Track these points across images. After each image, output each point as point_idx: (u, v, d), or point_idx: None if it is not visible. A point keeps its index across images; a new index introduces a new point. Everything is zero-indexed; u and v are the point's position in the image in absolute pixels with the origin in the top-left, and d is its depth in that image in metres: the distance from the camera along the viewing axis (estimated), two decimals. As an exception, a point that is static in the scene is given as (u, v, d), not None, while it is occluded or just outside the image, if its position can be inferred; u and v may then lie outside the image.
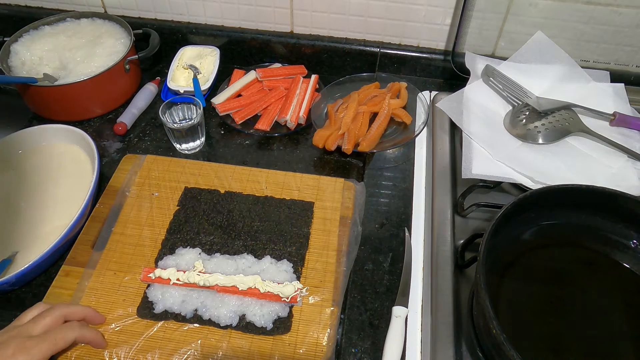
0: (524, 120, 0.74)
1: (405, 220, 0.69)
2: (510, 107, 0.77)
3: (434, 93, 0.87)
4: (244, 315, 0.58)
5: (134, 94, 0.87)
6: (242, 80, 0.86)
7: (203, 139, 0.80)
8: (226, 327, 0.57)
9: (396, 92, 0.83)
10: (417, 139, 0.80)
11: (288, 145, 0.81)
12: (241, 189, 0.71)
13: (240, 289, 0.58)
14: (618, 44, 0.80)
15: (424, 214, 0.70)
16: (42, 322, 0.52)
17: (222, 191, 0.71)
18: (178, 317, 0.58)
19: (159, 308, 0.58)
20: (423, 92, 0.84)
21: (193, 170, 0.74)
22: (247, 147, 0.80)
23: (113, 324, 0.57)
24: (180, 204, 0.69)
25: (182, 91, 0.84)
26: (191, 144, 0.78)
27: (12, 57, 0.84)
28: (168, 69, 0.88)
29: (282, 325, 0.57)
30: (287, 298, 0.58)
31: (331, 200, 0.70)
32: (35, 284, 0.63)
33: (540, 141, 0.72)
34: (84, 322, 0.55)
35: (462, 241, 0.63)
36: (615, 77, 0.80)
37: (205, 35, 0.94)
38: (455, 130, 0.78)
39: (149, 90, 0.87)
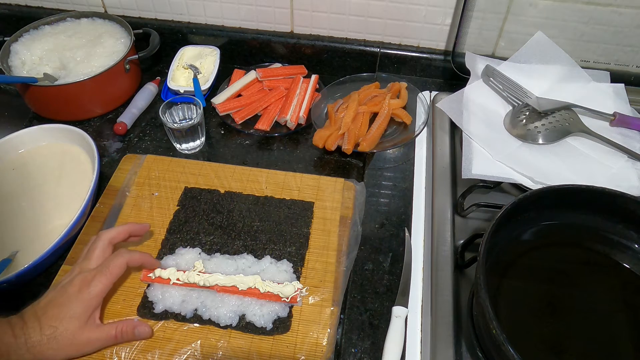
0: (524, 121, 0.74)
1: (405, 220, 0.69)
2: (510, 107, 0.77)
3: (434, 93, 0.87)
4: (243, 315, 0.58)
5: (134, 93, 0.87)
6: (242, 80, 0.86)
7: (203, 139, 0.80)
8: (226, 327, 0.57)
9: (396, 92, 0.83)
10: (417, 139, 0.80)
11: (288, 145, 0.81)
12: (241, 189, 0.71)
13: (240, 289, 0.58)
14: (618, 44, 0.80)
15: (424, 214, 0.70)
16: (94, 255, 0.56)
17: (222, 191, 0.71)
18: (178, 317, 0.58)
19: (159, 308, 0.58)
20: (423, 92, 0.85)
21: (193, 170, 0.74)
22: (247, 147, 0.80)
23: (110, 320, 0.57)
24: (180, 203, 0.69)
25: (182, 91, 0.84)
26: (191, 144, 0.78)
27: (12, 56, 0.84)
28: (168, 69, 0.88)
29: (281, 325, 0.57)
30: (287, 298, 0.58)
31: (331, 200, 0.70)
32: (35, 283, 0.63)
33: (541, 141, 0.72)
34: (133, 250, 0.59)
35: (462, 241, 0.63)
36: (615, 77, 0.80)
37: (206, 35, 0.94)
38: (455, 130, 0.78)
39: (149, 90, 0.87)
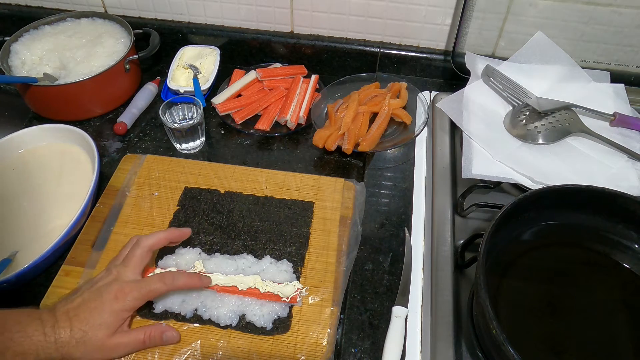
0: (524, 121, 0.74)
1: (405, 220, 0.69)
2: (510, 108, 0.77)
3: (434, 93, 0.87)
4: (243, 315, 0.58)
5: (134, 93, 0.87)
6: (242, 80, 0.86)
7: (203, 139, 0.80)
8: (226, 327, 0.57)
9: (396, 92, 0.83)
10: (417, 139, 0.80)
11: (288, 145, 0.81)
12: (241, 189, 0.71)
13: (240, 289, 0.58)
14: (618, 44, 0.80)
15: (424, 214, 0.70)
16: (132, 262, 0.56)
17: (222, 191, 0.71)
18: (178, 317, 0.58)
19: (159, 308, 0.58)
20: (423, 92, 0.84)
21: (193, 170, 0.74)
22: (247, 147, 0.80)
23: None
24: (180, 203, 0.69)
25: (182, 91, 0.84)
26: (191, 144, 0.78)
27: (12, 56, 0.84)
28: (168, 68, 0.88)
29: (281, 325, 0.57)
30: (287, 298, 0.58)
31: (331, 200, 0.70)
32: (35, 283, 0.63)
33: (541, 141, 0.72)
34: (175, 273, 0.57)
35: (462, 241, 0.63)
36: (615, 77, 0.80)
37: (206, 35, 0.94)
38: (455, 130, 0.78)
39: (149, 90, 0.87)
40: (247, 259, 0.63)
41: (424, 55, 0.90)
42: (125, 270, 0.55)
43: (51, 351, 0.49)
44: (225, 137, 0.82)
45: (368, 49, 0.90)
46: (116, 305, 0.52)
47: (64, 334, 0.50)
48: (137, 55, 0.86)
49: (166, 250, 0.64)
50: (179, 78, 0.87)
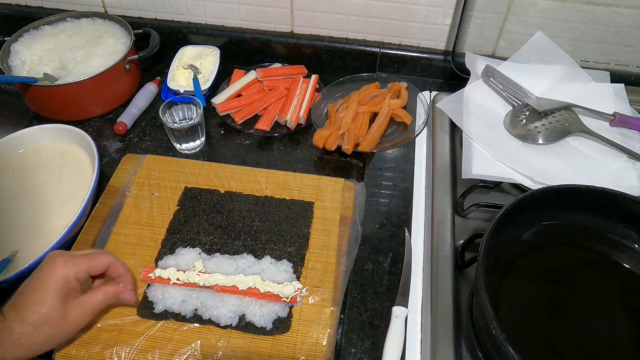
0: (524, 121, 0.74)
1: (405, 220, 0.69)
2: (511, 108, 0.77)
3: (434, 93, 0.87)
4: (243, 315, 0.58)
5: (134, 93, 0.87)
6: (242, 80, 0.86)
7: (203, 139, 0.80)
8: (226, 327, 0.57)
9: (396, 92, 0.83)
10: (417, 139, 0.80)
11: (288, 145, 0.81)
12: (241, 189, 0.71)
13: (240, 289, 0.58)
14: (618, 44, 0.80)
15: (424, 214, 0.70)
16: (83, 257, 0.54)
17: (222, 191, 0.71)
18: (178, 317, 0.58)
19: (159, 308, 0.58)
20: (423, 92, 0.84)
21: (193, 170, 0.74)
22: (247, 147, 0.80)
23: (110, 320, 0.57)
24: (180, 203, 0.69)
25: (182, 91, 0.84)
26: (191, 144, 0.78)
27: (12, 56, 0.84)
28: (168, 68, 0.88)
29: (281, 325, 0.57)
30: (287, 298, 0.58)
31: (331, 200, 0.70)
32: (35, 283, 0.63)
33: (541, 141, 0.72)
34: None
35: (462, 241, 0.63)
36: (615, 77, 0.80)
37: (206, 35, 0.94)
38: (455, 130, 0.78)
39: (149, 90, 0.87)
40: (247, 259, 0.63)
41: (424, 55, 0.90)
42: (66, 253, 0.54)
43: (7, 346, 0.48)
44: (225, 137, 0.82)
45: (368, 49, 0.90)
46: (53, 275, 0.51)
47: (17, 327, 0.49)
48: (137, 55, 0.86)
49: (166, 250, 0.64)
50: (179, 78, 0.87)
